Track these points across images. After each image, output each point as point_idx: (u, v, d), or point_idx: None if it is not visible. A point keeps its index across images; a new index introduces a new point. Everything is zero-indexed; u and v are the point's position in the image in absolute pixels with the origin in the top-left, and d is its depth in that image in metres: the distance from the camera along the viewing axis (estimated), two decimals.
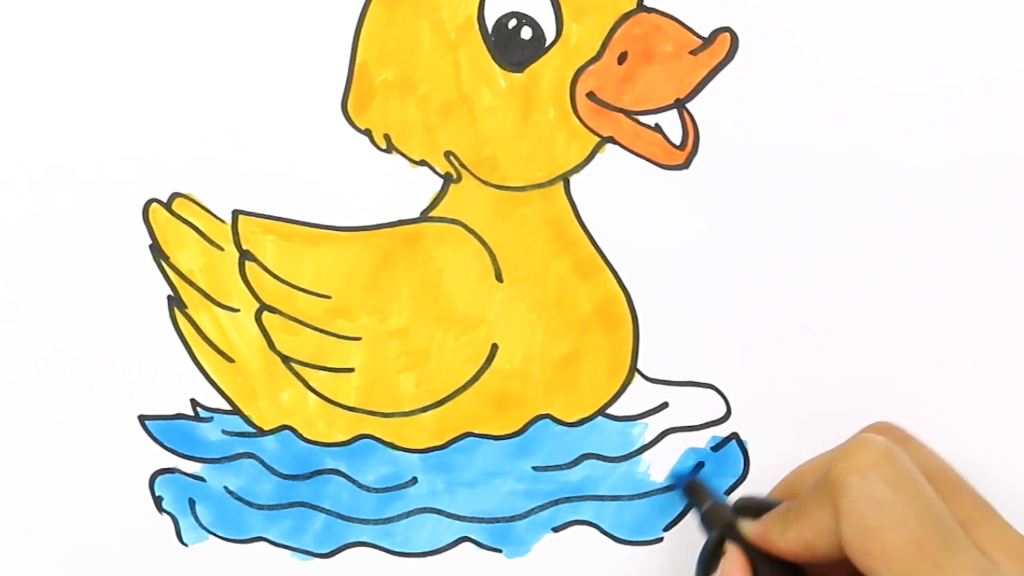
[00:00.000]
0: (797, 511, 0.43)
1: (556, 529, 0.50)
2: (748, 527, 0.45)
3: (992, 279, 0.49)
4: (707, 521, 0.48)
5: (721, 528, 0.47)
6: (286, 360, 0.50)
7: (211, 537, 0.51)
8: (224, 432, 0.50)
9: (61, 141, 0.49)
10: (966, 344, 0.49)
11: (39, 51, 0.49)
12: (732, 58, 0.49)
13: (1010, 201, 0.48)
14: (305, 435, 0.50)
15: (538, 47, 0.48)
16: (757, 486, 0.50)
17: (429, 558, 0.51)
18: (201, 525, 0.51)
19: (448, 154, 0.49)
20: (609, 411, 0.50)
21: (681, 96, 0.48)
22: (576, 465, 0.50)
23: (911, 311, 0.49)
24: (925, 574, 0.39)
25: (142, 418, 0.50)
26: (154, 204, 0.49)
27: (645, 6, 0.48)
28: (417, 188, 0.49)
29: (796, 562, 0.44)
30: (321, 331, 0.50)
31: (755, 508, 0.46)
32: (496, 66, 0.49)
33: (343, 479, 0.50)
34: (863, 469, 0.40)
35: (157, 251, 0.50)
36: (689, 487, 0.50)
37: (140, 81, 0.49)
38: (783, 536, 0.43)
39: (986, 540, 0.41)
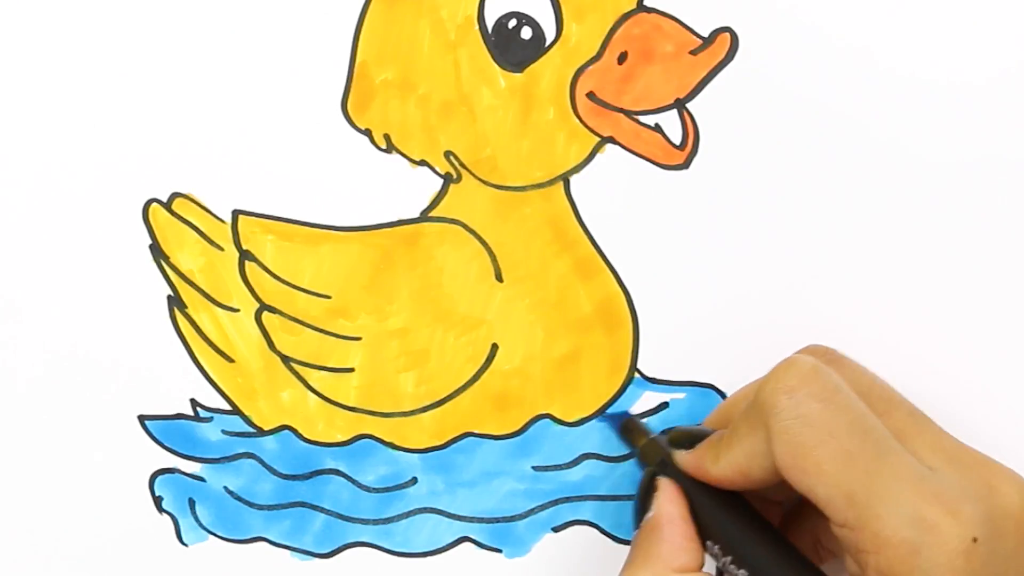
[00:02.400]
0: (729, 437, 0.42)
1: (556, 529, 0.50)
2: (682, 457, 0.44)
3: (993, 282, 0.48)
4: (643, 459, 0.46)
5: (656, 463, 0.45)
6: (286, 360, 0.49)
7: (211, 537, 0.50)
8: (224, 432, 0.50)
9: (61, 141, 0.48)
10: (968, 343, 0.48)
11: (38, 50, 0.48)
12: (732, 58, 0.48)
13: (1007, 204, 0.47)
14: (305, 435, 0.50)
15: (538, 47, 0.48)
16: None
17: (429, 558, 0.50)
18: (201, 525, 0.50)
19: (448, 154, 0.48)
20: (609, 411, 0.49)
21: (681, 96, 0.48)
22: (576, 465, 0.49)
23: (912, 311, 0.48)
24: (859, 484, 0.38)
25: (142, 418, 0.50)
26: (154, 204, 0.49)
27: (645, 6, 0.47)
28: (417, 188, 0.49)
29: (732, 489, 0.43)
30: (321, 331, 0.49)
31: (690, 439, 0.45)
32: (496, 66, 0.48)
33: (343, 479, 0.50)
34: (791, 388, 0.40)
35: (157, 251, 0.49)
36: (624, 425, 0.48)
37: (140, 81, 0.48)
38: (717, 464, 0.42)
39: (923, 448, 0.40)
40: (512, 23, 0.48)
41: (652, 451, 0.46)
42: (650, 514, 0.43)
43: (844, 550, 0.39)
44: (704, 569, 0.43)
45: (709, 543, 0.43)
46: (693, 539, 0.43)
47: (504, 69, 0.48)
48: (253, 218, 0.49)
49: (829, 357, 0.43)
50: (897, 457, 0.39)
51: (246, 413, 0.50)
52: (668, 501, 0.43)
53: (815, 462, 0.39)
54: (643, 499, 0.44)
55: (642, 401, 0.49)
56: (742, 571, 0.42)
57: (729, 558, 0.42)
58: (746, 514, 0.43)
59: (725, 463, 0.42)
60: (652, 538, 0.43)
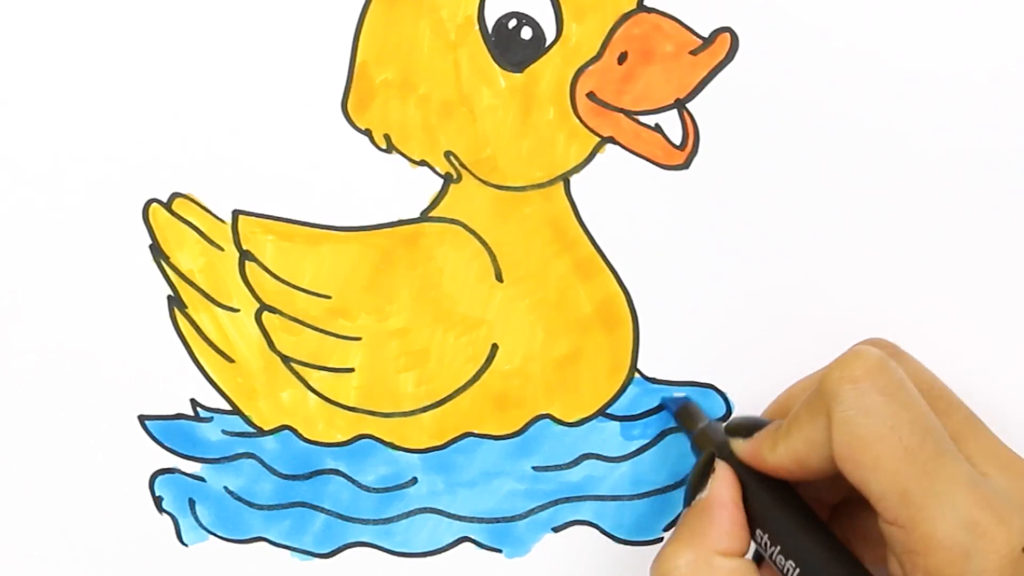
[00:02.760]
0: (789, 425, 0.42)
1: (556, 529, 0.50)
2: (739, 445, 0.44)
3: (991, 283, 0.48)
4: (698, 445, 0.46)
5: (712, 449, 0.45)
6: (286, 360, 0.49)
7: (211, 537, 0.50)
8: (224, 432, 0.50)
9: (60, 141, 0.48)
10: (965, 346, 0.48)
11: (38, 51, 0.48)
12: (732, 58, 0.48)
13: (1005, 204, 0.47)
14: (305, 435, 0.50)
15: (538, 47, 0.48)
16: None
17: (429, 558, 0.50)
18: (201, 525, 0.50)
19: (448, 154, 0.48)
20: (609, 411, 0.49)
21: (681, 96, 0.48)
22: (576, 465, 0.49)
23: (910, 313, 0.48)
24: (916, 482, 0.38)
25: (142, 418, 0.50)
26: (154, 204, 0.49)
27: (645, 6, 0.47)
28: (417, 188, 0.48)
29: (788, 479, 0.43)
30: (321, 331, 0.49)
31: (748, 428, 0.45)
32: (496, 66, 0.48)
33: (343, 479, 0.50)
34: (856, 378, 0.39)
35: (157, 251, 0.49)
36: (681, 410, 0.48)
37: (139, 81, 0.48)
38: (774, 452, 0.42)
39: (977, 454, 0.40)
40: (512, 23, 0.48)
41: (707, 437, 0.46)
42: (704, 494, 0.43)
43: (890, 549, 0.39)
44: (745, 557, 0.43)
45: (758, 532, 0.43)
46: (743, 526, 0.42)
47: (504, 69, 0.48)
48: (253, 218, 0.49)
49: (891, 350, 0.43)
50: (954, 459, 0.39)
51: (246, 413, 0.50)
52: (723, 484, 0.43)
53: (873, 456, 0.39)
54: (697, 479, 0.44)
55: (642, 401, 0.49)
56: (789, 562, 0.42)
57: (777, 548, 0.42)
58: (797, 507, 0.43)
59: (783, 450, 0.42)
60: (703, 518, 0.43)
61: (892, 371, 0.40)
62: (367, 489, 0.50)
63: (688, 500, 0.44)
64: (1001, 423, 0.45)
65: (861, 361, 0.40)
